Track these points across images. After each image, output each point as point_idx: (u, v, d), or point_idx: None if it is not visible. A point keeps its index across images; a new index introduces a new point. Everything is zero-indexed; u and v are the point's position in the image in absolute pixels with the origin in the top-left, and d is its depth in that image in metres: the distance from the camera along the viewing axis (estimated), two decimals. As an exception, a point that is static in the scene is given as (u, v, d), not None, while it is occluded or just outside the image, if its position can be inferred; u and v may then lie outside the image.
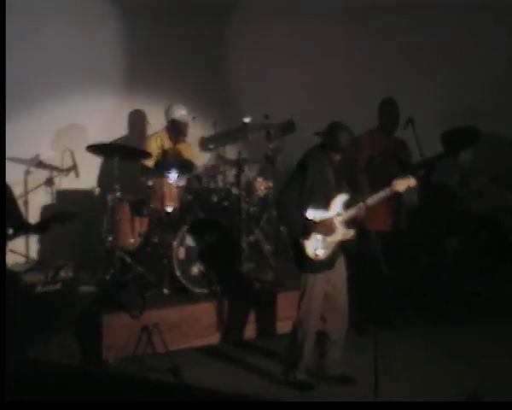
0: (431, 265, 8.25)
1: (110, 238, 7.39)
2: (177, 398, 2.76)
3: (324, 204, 6.15)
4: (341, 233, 6.19)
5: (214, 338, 7.12)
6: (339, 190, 6.21)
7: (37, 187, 8.18)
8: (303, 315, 6.25)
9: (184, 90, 8.71)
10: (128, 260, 7.27)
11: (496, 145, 8.59)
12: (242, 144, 8.40)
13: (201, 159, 8.39)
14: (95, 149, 7.41)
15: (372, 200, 6.26)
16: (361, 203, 6.17)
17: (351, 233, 6.25)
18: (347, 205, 6.22)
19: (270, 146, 8.33)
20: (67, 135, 8.24)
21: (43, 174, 8.24)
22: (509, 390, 5.93)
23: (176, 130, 8.02)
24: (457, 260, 8.26)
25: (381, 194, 6.32)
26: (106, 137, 8.07)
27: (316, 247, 6.11)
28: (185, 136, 8.10)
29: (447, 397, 5.76)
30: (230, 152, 8.41)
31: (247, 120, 8.14)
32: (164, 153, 7.90)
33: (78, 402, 2.45)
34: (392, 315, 7.44)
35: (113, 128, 8.54)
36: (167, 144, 7.99)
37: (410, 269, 7.92)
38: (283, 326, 7.16)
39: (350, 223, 6.25)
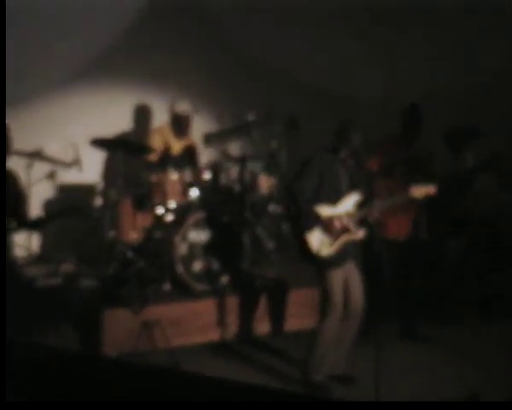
0: (435, 267, 8.23)
1: (112, 233, 7.38)
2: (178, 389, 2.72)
3: (333, 202, 6.09)
4: (350, 232, 6.14)
5: (215, 335, 7.10)
6: (351, 190, 6.16)
7: (39, 181, 8.15)
8: (325, 313, 6.16)
9: (189, 85, 8.68)
10: (130, 255, 7.24)
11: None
12: (246, 141, 8.37)
13: (205, 155, 8.36)
14: (98, 143, 7.38)
15: (384, 203, 6.23)
16: (373, 205, 6.13)
17: (360, 234, 6.16)
18: (359, 205, 6.16)
19: (274, 143, 8.30)
20: (71, 128, 8.20)
21: (45, 168, 8.21)
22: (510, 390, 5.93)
23: (179, 124, 7.98)
24: (459, 259, 8.25)
25: (396, 199, 6.27)
26: (110, 131, 8.04)
27: (319, 242, 6.07)
28: (188, 130, 8.06)
29: (449, 398, 5.74)
30: (234, 148, 8.39)
31: (250, 116, 8.13)
32: (167, 148, 7.88)
33: (78, 402, 2.43)
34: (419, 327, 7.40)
35: (117, 122, 8.50)
36: (171, 139, 7.97)
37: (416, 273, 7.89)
38: (290, 324, 7.23)
39: (361, 223, 6.19)
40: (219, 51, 9.03)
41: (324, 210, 6.05)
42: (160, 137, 7.92)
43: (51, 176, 8.25)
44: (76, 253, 6.96)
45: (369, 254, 6.67)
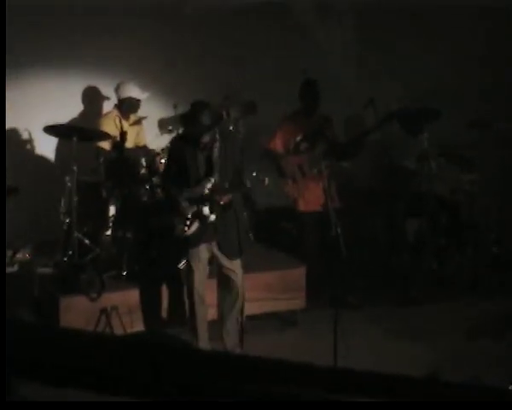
0: (391, 246, 8.33)
1: (68, 220, 7.31)
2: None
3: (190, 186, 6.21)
4: (203, 217, 6.19)
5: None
6: (208, 174, 6.20)
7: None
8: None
9: (146, 71, 8.61)
10: (86, 241, 7.20)
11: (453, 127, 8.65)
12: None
13: (161, 140, 8.30)
14: (52, 130, 7.30)
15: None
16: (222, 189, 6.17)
17: (211, 218, 6.17)
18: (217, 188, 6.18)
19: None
20: (25, 114, 8.10)
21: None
22: (467, 369, 5.99)
23: (126, 107, 7.92)
24: (417, 241, 8.33)
25: None
26: (63, 116, 7.97)
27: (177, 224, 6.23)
28: (136, 112, 8.00)
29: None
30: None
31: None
32: (123, 134, 7.78)
33: (79, 402, 2.35)
34: (349, 295, 7.46)
35: (70, 106, 8.42)
36: (123, 124, 7.86)
37: (369, 250, 7.99)
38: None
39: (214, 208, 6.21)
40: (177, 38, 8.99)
41: (182, 194, 6.19)
42: (115, 122, 7.81)
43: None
44: (32, 241, 6.89)
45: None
